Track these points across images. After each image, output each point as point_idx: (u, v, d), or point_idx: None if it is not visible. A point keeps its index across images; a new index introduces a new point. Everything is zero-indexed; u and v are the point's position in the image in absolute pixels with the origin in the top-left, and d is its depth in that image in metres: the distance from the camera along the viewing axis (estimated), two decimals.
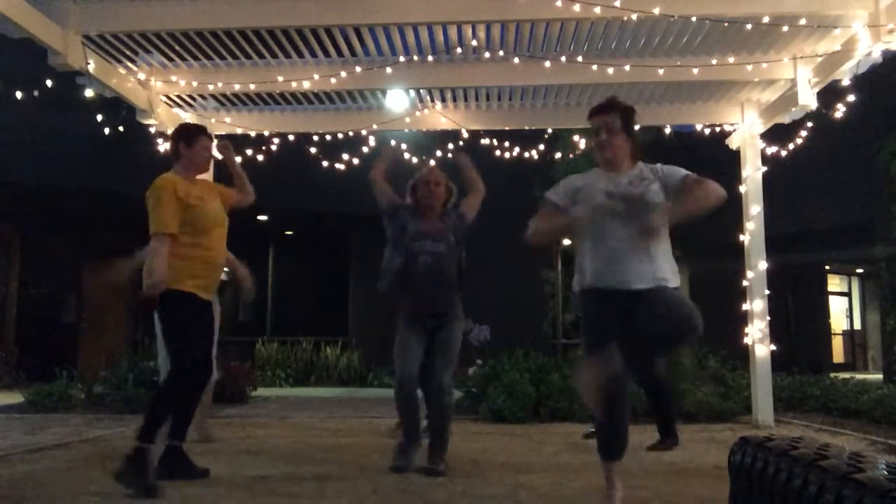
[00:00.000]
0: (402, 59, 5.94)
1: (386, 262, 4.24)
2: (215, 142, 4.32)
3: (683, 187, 3.01)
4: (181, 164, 3.95)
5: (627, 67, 5.81)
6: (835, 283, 18.70)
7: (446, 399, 4.13)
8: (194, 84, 6.38)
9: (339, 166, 7.65)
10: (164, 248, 3.68)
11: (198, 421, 5.31)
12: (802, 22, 5.18)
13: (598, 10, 4.87)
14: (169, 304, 3.73)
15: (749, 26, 5.22)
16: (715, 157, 7.78)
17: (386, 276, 4.20)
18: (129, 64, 6.12)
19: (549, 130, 8.07)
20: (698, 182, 3.00)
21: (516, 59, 5.91)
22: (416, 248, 4.13)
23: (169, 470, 3.82)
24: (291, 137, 7.34)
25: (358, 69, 6.03)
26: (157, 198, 3.73)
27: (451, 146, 7.57)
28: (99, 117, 6.58)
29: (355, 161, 7.53)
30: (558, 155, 9.29)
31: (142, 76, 6.24)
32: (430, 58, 5.81)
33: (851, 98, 5.91)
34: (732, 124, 7.11)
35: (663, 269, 2.98)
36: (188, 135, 3.99)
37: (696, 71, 5.89)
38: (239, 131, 7.27)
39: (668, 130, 8.00)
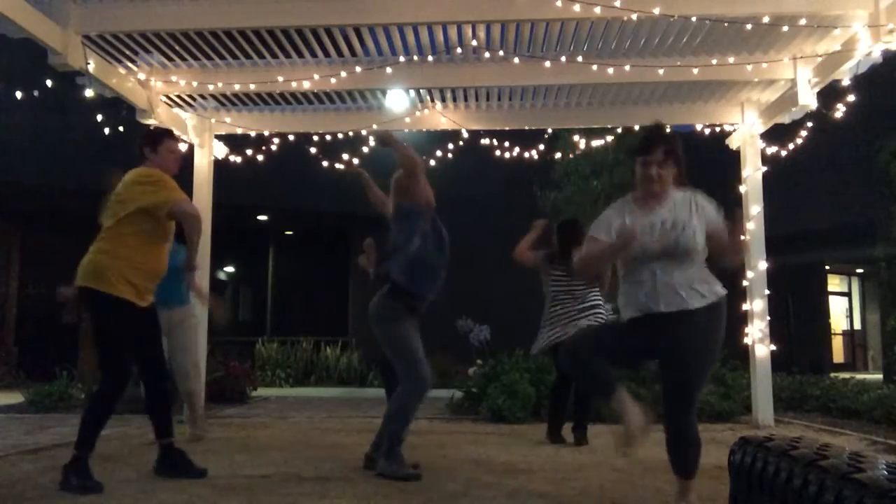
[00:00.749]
0: (402, 59, 5.94)
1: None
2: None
3: (715, 231, 3.07)
4: (153, 166, 3.91)
5: (627, 67, 5.81)
6: (835, 283, 18.70)
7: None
8: (194, 84, 6.38)
9: (339, 166, 7.65)
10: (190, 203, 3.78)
11: (188, 419, 5.31)
12: (802, 22, 5.18)
13: (598, 10, 4.88)
14: (100, 308, 3.69)
15: (749, 26, 5.22)
16: (715, 158, 7.78)
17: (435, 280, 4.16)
18: (129, 64, 6.12)
19: (549, 130, 8.07)
20: (732, 236, 3.05)
21: (516, 59, 5.90)
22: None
23: (167, 468, 3.89)
24: (291, 137, 7.34)
25: (358, 69, 6.03)
26: (165, 179, 3.76)
27: (450, 146, 7.57)
28: (99, 117, 6.58)
29: (355, 161, 7.53)
30: (558, 155, 9.29)
31: (142, 76, 6.24)
32: (430, 58, 5.81)
33: (851, 98, 5.90)
34: (732, 124, 7.11)
35: (691, 294, 3.02)
36: (152, 138, 3.98)
37: (696, 71, 5.89)
38: (239, 131, 7.27)
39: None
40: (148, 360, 3.93)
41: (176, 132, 6.82)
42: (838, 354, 18.15)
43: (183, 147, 4.31)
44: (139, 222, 3.74)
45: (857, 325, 19.08)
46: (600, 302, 5.22)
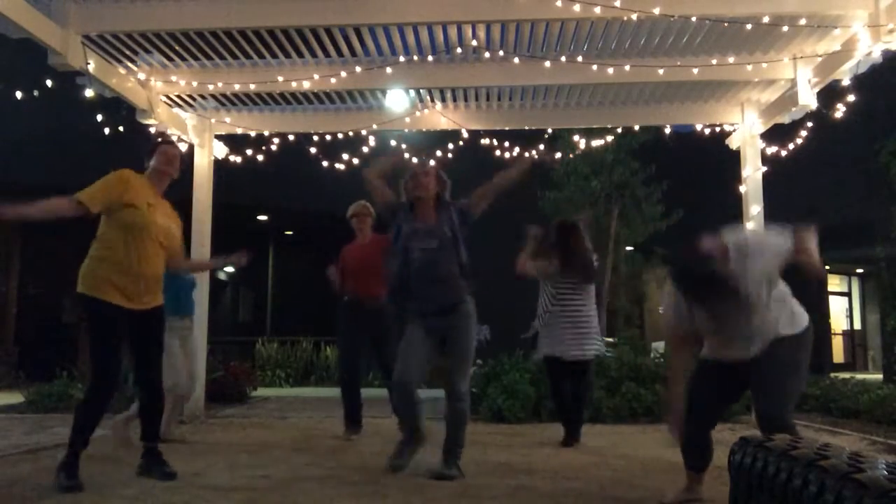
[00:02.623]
0: (402, 59, 5.94)
1: (387, 269, 4.16)
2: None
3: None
4: (150, 173, 4.02)
5: (627, 67, 5.81)
6: (835, 283, 18.69)
7: (459, 405, 4.14)
8: (194, 84, 6.38)
9: (339, 166, 7.65)
10: (61, 202, 3.68)
11: (165, 422, 5.19)
12: (802, 22, 5.18)
13: (598, 10, 4.87)
14: (86, 309, 3.71)
15: (749, 26, 5.22)
16: (715, 158, 7.78)
17: (388, 284, 4.15)
18: (129, 64, 6.12)
19: (549, 130, 8.07)
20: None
21: (516, 59, 5.90)
22: (410, 247, 4.00)
23: (146, 469, 3.90)
24: (291, 137, 7.34)
25: (358, 69, 6.03)
26: (105, 178, 3.80)
27: (451, 146, 7.56)
28: (99, 117, 6.58)
29: (355, 161, 7.53)
30: (558, 155, 9.28)
31: (142, 76, 6.24)
32: (430, 58, 5.81)
33: (851, 98, 5.90)
34: (732, 124, 7.11)
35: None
36: (150, 149, 4.09)
37: (696, 71, 5.89)
38: (239, 131, 7.27)
39: (667, 130, 8.00)
40: (141, 363, 3.88)
41: (176, 132, 6.88)
42: (838, 354, 18.15)
43: (182, 147, 4.33)
44: (108, 223, 3.78)
45: (857, 325, 19.08)
46: (594, 324, 5.16)
